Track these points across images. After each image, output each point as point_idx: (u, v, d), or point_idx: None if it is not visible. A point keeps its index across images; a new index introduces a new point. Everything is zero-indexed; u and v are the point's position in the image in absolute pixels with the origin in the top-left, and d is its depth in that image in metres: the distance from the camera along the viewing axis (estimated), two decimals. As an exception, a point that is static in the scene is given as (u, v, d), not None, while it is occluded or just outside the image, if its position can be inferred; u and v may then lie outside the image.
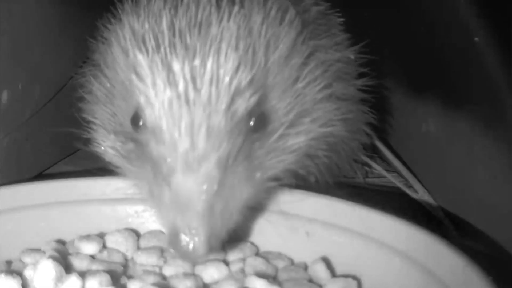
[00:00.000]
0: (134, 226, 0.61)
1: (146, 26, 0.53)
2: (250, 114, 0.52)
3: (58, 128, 0.71)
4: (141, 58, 0.52)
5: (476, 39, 0.62)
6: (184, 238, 0.47)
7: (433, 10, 0.73)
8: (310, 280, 0.54)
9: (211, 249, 0.48)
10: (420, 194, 0.77)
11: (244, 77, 0.51)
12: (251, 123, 0.52)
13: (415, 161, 0.83)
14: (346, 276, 0.54)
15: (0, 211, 0.58)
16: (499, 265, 0.55)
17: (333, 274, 0.55)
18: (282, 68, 0.55)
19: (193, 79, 0.50)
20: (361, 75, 0.68)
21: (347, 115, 0.62)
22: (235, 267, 0.56)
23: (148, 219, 0.62)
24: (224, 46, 0.51)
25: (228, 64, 0.51)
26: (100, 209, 0.61)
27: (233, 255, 0.57)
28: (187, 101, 0.50)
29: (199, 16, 0.53)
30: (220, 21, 0.52)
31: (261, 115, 0.53)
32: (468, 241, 0.64)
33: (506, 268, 0.54)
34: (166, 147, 0.49)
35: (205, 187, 0.48)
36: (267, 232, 0.59)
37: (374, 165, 0.84)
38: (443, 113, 0.73)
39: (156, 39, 0.52)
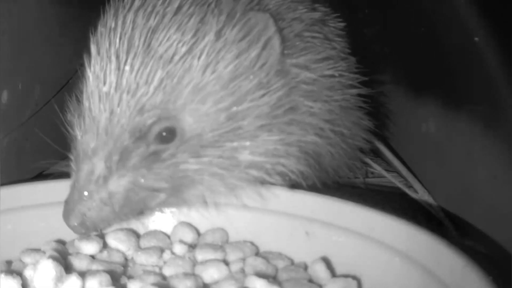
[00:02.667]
0: (133, 226, 0.61)
1: (112, 24, 0.57)
2: (158, 127, 0.55)
3: (58, 128, 0.71)
4: (94, 51, 0.56)
5: (476, 39, 0.62)
6: (65, 209, 0.55)
7: (433, 10, 0.74)
8: (310, 280, 0.54)
9: (81, 224, 0.55)
10: (420, 194, 0.77)
11: (159, 96, 0.54)
12: (163, 134, 0.55)
13: (415, 161, 0.83)
14: (346, 276, 0.54)
15: (0, 211, 0.58)
16: (499, 265, 0.55)
17: (333, 274, 0.55)
18: (219, 89, 0.56)
19: (118, 82, 0.54)
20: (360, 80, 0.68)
21: (330, 136, 0.63)
22: (235, 267, 0.56)
23: (148, 219, 0.62)
24: (156, 57, 0.54)
25: (150, 77, 0.54)
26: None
27: (233, 255, 0.57)
28: (105, 99, 0.55)
29: (156, 21, 0.55)
30: (168, 29, 0.55)
31: (170, 130, 0.55)
32: (468, 241, 0.64)
33: (506, 268, 0.54)
34: (80, 131, 0.56)
35: (91, 174, 0.55)
36: (267, 232, 0.59)
37: (374, 165, 0.84)
38: (443, 113, 0.73)
39: (111, 37, 0.56)
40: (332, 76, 0.64)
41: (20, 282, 0.51)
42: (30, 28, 0.74)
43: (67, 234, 0.59)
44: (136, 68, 0.54)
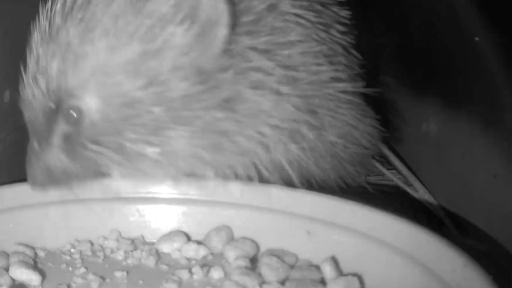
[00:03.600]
0: (134, 226, 0.62)
1: (40, 20, 0.56)
2: (64, 108, 0.54)
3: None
4: (35, 36, 0.56)
5: (476, 39, 0.62)
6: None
7: (433, 10, 0.74)
8: (313, 279, 0.54)
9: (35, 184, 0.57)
10: (421, 193, 0.77)
11: (59, 78, 0.53)
12: (73, 114, 0.54)
13: (415, 160, 0.83)
14: (347, 275, 0.54)
15: (1, 211, 0.58)
16: (499, 264, 0.55)
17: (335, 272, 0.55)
18: (121, 70, 0.52)
19: (33, 67, 0.56)
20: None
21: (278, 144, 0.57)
22: (234, 264, 0.56)
23: (149, 218, 0.62)
24: (59, 42, 0.53)
25: (50, 60, 0.53)
26: (101, 208, 0.62)
27: (233, 253, 0.57)
28: (28, 82, 0.56)
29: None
30: (88, 6, 0.52)
31: (78, 110, 0.54)
32: (468, 240, 0.64)
33: (506, 268, 0.54)
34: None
35: (32, 148, 0.57)
36: (268, 231, 0.60)
37: (375, 163, 0.84)
38: (443, 113, 0.74)
39: (36, 30, 0.56)
40: (303, 64, 0.56)
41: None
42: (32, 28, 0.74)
43: (71, 233, 0.60)
44: (42, 54, 0.54)
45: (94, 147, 0.54)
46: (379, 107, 0.74)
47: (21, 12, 0.72)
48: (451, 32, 0.69)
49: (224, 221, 0.61)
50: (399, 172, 0.83)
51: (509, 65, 0.58)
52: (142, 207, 0.62)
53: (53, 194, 0.60)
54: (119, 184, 0.61)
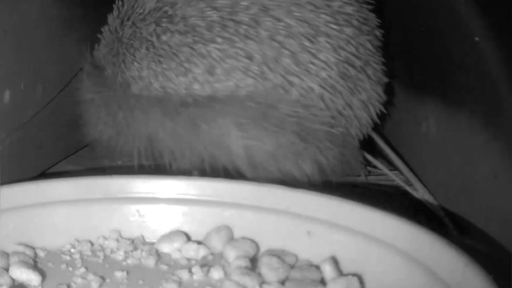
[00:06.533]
0: (134, 226, 0.62)
1: None
2: None
3: (60, 127, 0.71)
4: None
5: (476, 39, 0.62)
6: None
7: (433, 10, 0.74)
8: (313, 279, 0.54)
9: None
10: (421, 193, 0.77)
11: None
12: None
13: (415, 160, 0.83)
14: (347, 275, 0.54)
15: (1, 210, 0.58)
16: (500, 265, 0.55)
17: (335, 273, 0.55)
18: None
19: None
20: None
21: None
22: (234, 265, 0.56)
23: (149, 218, 0.62)
24: None
25: None
26: (101, 207, 0.62)
27: (233, 253, 0.57)
28: None
29: None
30: None
31: None
32: (468, 240, 0.64)
33: (506, 268, 0.54)
34: None
35: None
36: (267, 231, 0.59)
37: (375, 162, 0.84)
38: (444, 112, 0.74)
39: None
40: None
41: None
42: (32, 27, 0.74)
43: (70, 233, 0.60)
44: None
45: None
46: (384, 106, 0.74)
47: (21, 12, 0.72)
48: (451, 32, 0.69)
49: (224, 221, 0.61)
50: (400, 172, 0.83)
51: (509, 65, 0.58)
52: (142, 207, 0.62)
53: (53, 194, 0.60)
54: (119, 184, 0.61)
